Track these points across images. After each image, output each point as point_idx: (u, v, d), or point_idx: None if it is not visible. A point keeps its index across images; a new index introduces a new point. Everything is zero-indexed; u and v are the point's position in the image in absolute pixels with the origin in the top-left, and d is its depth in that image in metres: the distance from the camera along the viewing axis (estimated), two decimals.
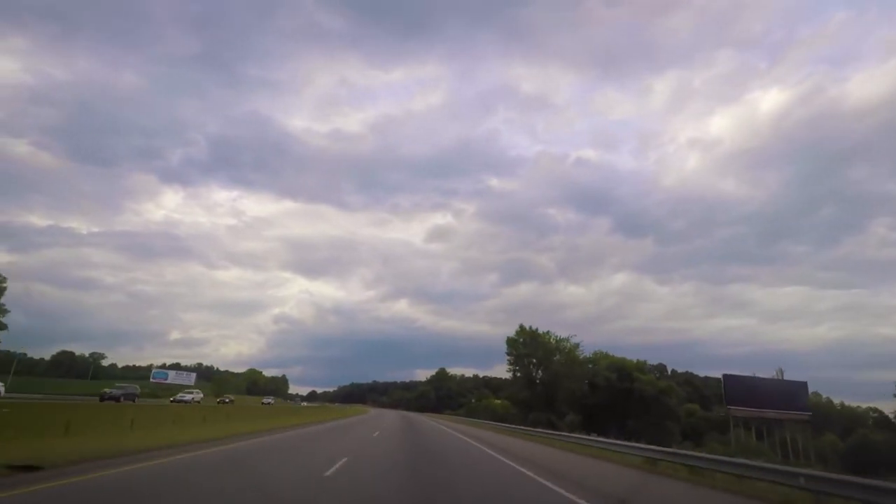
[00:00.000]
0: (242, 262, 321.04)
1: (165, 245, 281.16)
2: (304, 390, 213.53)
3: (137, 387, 38.31)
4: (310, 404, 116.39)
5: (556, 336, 58.29)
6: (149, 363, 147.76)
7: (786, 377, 50.28)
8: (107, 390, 34.78)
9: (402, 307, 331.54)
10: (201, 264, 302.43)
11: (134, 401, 33.35)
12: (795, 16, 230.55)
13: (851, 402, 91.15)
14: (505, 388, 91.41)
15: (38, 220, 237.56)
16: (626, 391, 49.17)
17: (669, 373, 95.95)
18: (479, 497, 8.38)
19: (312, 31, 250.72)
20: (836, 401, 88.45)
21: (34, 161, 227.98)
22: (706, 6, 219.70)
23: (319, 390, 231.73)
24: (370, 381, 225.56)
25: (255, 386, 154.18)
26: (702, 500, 9.90)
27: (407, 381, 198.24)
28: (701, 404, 73.72)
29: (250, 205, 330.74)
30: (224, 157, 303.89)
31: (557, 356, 56.15)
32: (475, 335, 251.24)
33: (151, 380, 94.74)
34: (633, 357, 59.85)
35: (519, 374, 59.07)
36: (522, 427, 35.15)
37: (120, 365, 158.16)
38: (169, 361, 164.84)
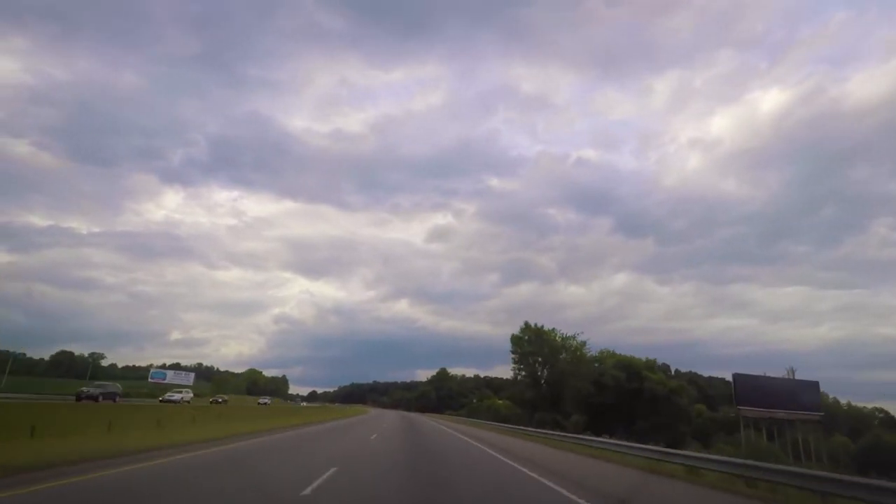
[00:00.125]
0: (243, 263, 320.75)
1: (166, 245, 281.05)
2: (304, 391, 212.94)
3: (119, 385, 35.91)
4: (310, 404, 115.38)
5: (562, 334, 56.76)
6: (149, 363, 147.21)
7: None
8: (84, 389, 32.17)
9: (402, 307, 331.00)
10: (202, 264, 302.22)
11: (115, 400, 31.40)
12: (796, 16, 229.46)
13: (856, 403, 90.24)
14: (507, 388, 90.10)
15: (38, 221, 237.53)
16: (635, 391, 47.61)
17: (673, 373, 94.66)
18: None
19: (313, 31, 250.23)
20: (843, 401, 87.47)
21: (34, 161, 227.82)
22: (707, 6, 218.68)
23: (320, 390, 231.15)
24: (371, 381, 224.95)
25: (255, 386, 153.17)
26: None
27: (408, 381, 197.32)
28: (706, 405, 72.39)
29: (251, 205, 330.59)
30: (224, 157, 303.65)
31: (563, 354, 54.56)
32: (476, 335, 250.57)
33: (150, 380, 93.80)
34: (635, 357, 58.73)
35: (523, 374, 57.39)
36: (532, 429, 33.49)
37: (120, 365, 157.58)
38: (169, 362, 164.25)
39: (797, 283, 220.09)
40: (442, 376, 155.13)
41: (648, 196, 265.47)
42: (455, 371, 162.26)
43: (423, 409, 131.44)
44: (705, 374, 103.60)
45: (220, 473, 9.23)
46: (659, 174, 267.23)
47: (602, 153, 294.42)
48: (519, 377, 58.77)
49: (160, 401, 39.91)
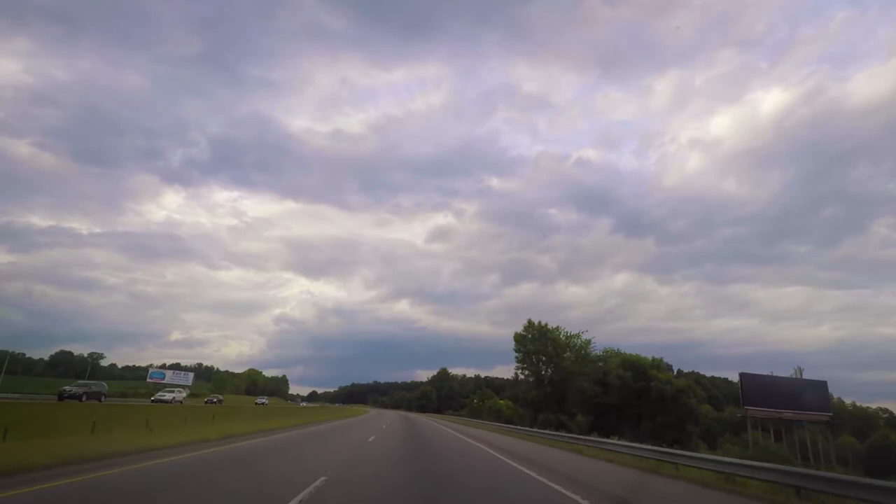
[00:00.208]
0: (244, 263, 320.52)
1: (167, 245, 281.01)
2: (304, 391, 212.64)
3: (105, 384, 34.13)
4: (310, 405, 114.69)
5: (566, 332, 55.54)
6: (150, 364, 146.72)
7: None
8: (67, 388, 30.30)
9: (403, 307, 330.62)
10: (202, 265, 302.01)
11: (100, 400, 29.85)
12: (797, 15, 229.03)
13: (860, 403, 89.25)
14: (508, 389, 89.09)
15: (39, 221, 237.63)
16: (642, 390, 46.55)
17: (675, 373, 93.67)
18: None
19: (314, 31, 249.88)
20: (847, 401, 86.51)
21: (36, 162, 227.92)
22: (708, 6, 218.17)
23: (320, 391, 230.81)
24: (371, 381, 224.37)
25: (255, 386, 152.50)
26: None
27: (408, 381, 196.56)
28: (710, 405, 71.44)
29: (251, 205, 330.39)
30: (225, 157, 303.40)
31: (568, 353, 53.34)
32: (476, 336, 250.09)
33: (148, 380, 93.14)
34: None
35: (527, 373, 56.16)
36: (545, 431, 32.12)
37: (120, 365, 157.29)
38: (170, 362, 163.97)
39: (798, 284, 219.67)
40: (442, 376, 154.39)
41: (649, 196, 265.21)
42: (455, 371, 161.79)
43: (424, 410, 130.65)
44: (707, 374, 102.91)
45: (195, 483, 8.31)
46: (660, 174, 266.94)
47: (603, 153, 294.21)
48: (522, 376, 57.65)
49: (152, 400, 38.81)
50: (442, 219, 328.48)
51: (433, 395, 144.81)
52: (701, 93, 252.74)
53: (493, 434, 32.51)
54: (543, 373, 54.14)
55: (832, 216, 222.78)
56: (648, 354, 54.02)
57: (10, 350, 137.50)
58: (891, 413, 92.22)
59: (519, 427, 39.41)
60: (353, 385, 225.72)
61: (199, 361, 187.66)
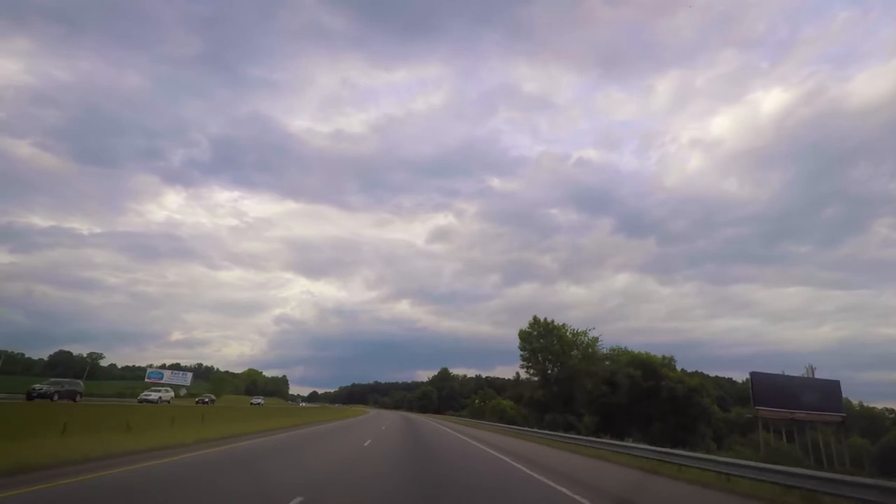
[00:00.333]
0: (244, 263, 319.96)
1: (167, 246, 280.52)
2: (305, 391, 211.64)
3: (81, 382, 31.87)
4: (309, 405, 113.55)
5: (573, 329, 53.77)
6: (150, 364, 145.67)
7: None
8: (37, 386, 28.03)
9: (403, 308, 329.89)
10: (203, 265, 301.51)
11: (75, 399, 27.72)
12: (798, 15, 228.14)
13: (867, 403, 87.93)
14: (509, 389, 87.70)
15: (40, 221, 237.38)
16: (652, 390, 45.05)
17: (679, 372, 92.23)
18: None
19: (315, 31, 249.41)
20: (854, 401, 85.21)
21: (37, 162, 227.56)
22: (709, 6, 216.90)
23: (321, 391, 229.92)
24: (371, 381, 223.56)
25: (255, 386, 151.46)
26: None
27: (408, 381, 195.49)
28: (717, 405, 69.94)
29: (252, 205, 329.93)
30: (226, 157, 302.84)
31: (575, 351, 51.62)
32: (477, 336, 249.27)
33: (146, 379, 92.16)
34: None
35: (532, 371, 54.30)
36: (551, 433, 30.64)
37: (120, 365, 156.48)
38: (171, 362, 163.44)
39: (799, 284, 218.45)
40: (443, 376, 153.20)
41: (650, 196, 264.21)
42: (456, 371, 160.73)
43: (425, 410, 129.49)
44: (710, 374, 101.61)
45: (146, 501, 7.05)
46: (660, 174, 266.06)
47: (603, 153, 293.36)
48: (528, 375, 55.91)
49: (138, 400, 37.37)
50: (443, 219, 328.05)
51: (434, 395, 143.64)
52: (702, 93, 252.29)
53: (499, 436, 31.28)
54: (550, 371, 52.42)
55: (833, 216, 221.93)
56: (653, 353, 52.54)
57: (10, 350, 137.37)
58: None
59: (525, 429, 38.14)
60: (353, 385, 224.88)
61: (199, 362, 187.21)
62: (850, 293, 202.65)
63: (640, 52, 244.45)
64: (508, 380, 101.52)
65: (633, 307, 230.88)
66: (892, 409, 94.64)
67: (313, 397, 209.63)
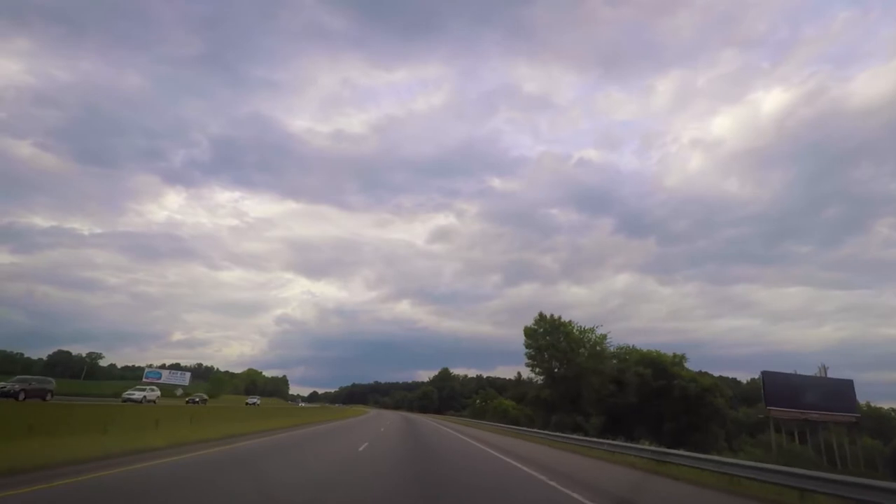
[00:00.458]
0: (245, 263, 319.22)
1: (168, 246, 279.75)
2: (305, 391, 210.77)
3: (52, 380, 29.38)
4: (309, 405, 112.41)
5: (580, 326, 51.98)
6: (150, 364, 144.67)
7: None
8: (1, 384, 25.33)
9: (404, 308, 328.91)
10: (204, 265, 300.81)
11: (45, 398, 25.48)
12: (799, 15, 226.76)
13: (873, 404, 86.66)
14: (511, 389, 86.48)
15: (41, 222, 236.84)
16: (663, 389, 43.66)
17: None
18: None
19: (315, 31, 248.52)
20: (862, 402, 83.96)
21: (37, 162, 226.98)
22: (709, 5, 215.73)
23: (321, 391, 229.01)
24: (372, 381, 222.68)
25: (255, 386, 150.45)
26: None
27: (409, 381, 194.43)
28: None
29: (253, 205, 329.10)
30: (227, 157, 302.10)
31: (583, 349, 49.89)
32: (478, 336, 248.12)
33: (144, 379, 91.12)
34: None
35: (538, 371, 52.52)
36: (551, 433, 29.44)
37: (119, 365, 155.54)
38: (171, 362, 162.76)
39: (800, 284, 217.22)
40: (444, 376, 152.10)
41: (651, 196, 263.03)
42: (457, 372, 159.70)
43: (425, 410, 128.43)
44: (713, 374, 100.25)
45: None
46: (661, 174, 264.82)
47: (604, 153, 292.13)
48: (532, 374, 54.31)
49: (122, 400, 35.70)
50: (443, 219, 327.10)
51: (434, 395, 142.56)
52: (702, 93, 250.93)
53: (499, 436, 30.17)
54: (556, 370, 50.60)
55: (834, 216, 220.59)
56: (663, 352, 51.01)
57: (9, 350, 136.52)
58: None
59: (525, 429, 36.98)
60: (353, 385, 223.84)
61: (200, 362, 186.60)
62: (851, 293, 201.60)
63: (641, 52, 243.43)
64: (510, 380, 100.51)
65: (633, 307, 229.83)
66: None
67: (313, 397, 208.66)
